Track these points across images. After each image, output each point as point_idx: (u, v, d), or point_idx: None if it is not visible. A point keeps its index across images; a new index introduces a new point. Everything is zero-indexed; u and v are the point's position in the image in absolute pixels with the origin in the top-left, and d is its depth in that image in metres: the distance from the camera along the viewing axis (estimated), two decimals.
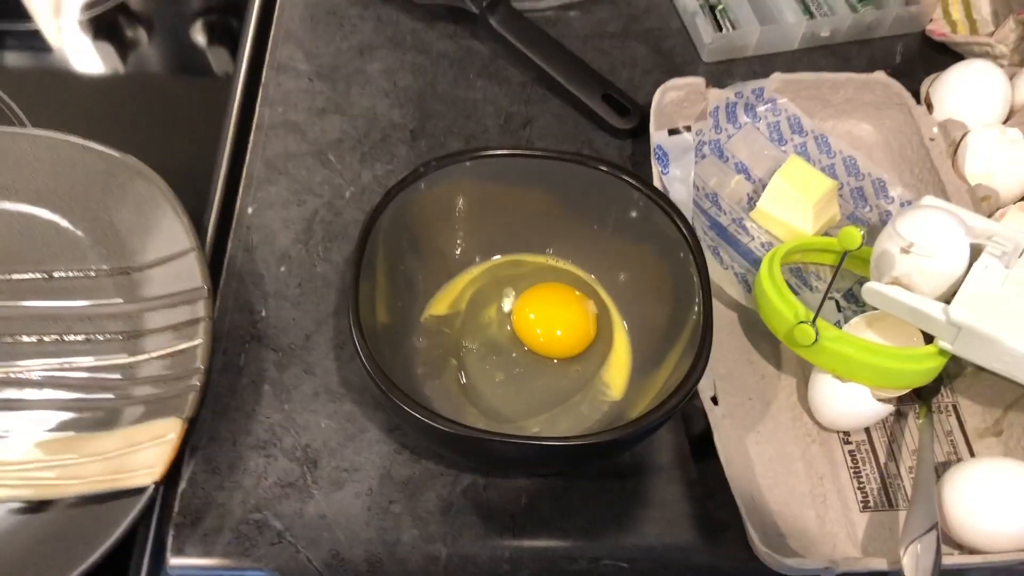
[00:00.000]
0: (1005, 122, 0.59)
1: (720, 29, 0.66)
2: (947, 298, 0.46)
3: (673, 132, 0.57)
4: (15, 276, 0.52)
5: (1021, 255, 0.47)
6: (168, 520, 0.46)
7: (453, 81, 0.63)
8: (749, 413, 0.51)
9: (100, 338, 0.50)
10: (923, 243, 0.47)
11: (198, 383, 0.46)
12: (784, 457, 0.50)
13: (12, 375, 0.49)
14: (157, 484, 0.44)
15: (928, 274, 0.47)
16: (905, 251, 0.47)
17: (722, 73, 0.64)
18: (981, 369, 0.47)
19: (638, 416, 0.42)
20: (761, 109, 0.60)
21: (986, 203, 0.55)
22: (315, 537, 0.46)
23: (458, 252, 0.53)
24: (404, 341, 0.50)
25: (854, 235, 0.46)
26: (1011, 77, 0.60)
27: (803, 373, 0.52)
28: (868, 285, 0.48)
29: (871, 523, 0.48)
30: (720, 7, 0.67)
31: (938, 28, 0.66)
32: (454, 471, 0.48)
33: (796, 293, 0.50)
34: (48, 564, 0.43)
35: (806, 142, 0.60)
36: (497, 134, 0.61)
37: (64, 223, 0.53)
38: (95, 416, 0.48)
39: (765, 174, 0.58)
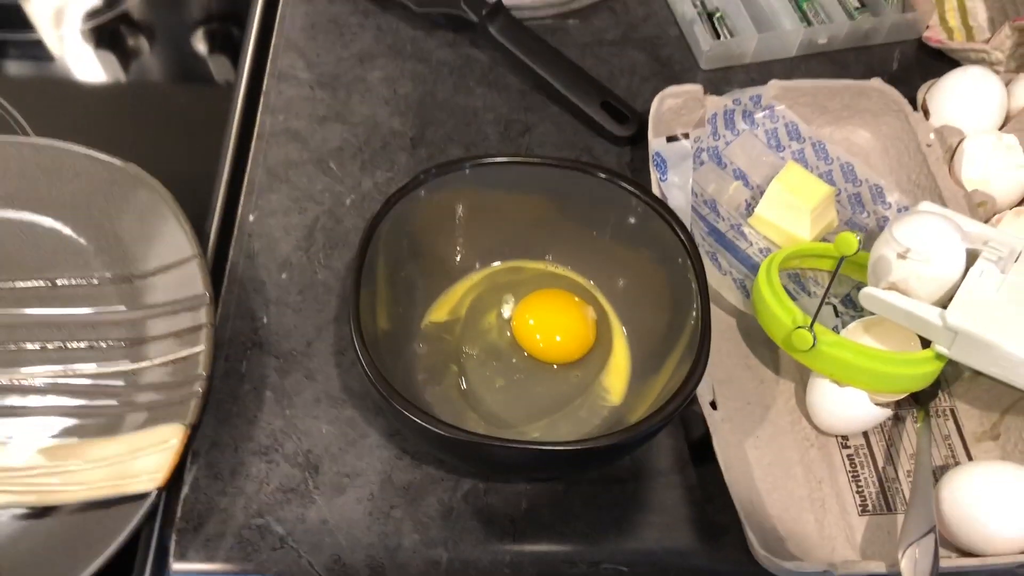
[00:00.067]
0: (1001, 128, 0.59)
1: (718, 37, 0.66)
2: (944, 303, 0.47)
3: (671, 139, 0.58)
4: (18, 284, 0.52)
5: (1017, 260, 0.48)
6: (171, 525, 0.46)
7: (453, 89, 0.64)
8: (748, 418, 0.51)
9: (103, 345, 0.50)
10: (920, 248, 0.47)
11: (200, 389, 0.46)
12: (783, 461, 0.50)
13: (16, 382, 0.49)
14: (160, 490, 0.44)
15: (925, 279, 0.47)
16: (902, 256, 0.47)
17: (720, 80, 0.65)
18: (978, 373, 0.48)
19: (637, 421, 0.42)
20: (759, 116, 0.60)
21: (982, 208, 0.56)
22: (317, 542, 0.46)
23: (458, 259, 0.53)
24: (404, 347, 0.50)
25: (850, 241, 0.46)
26: (1007, 83, 0.61)
27: (801, 378, 0.52)
28: (865, 290, 0.49)
29: (869, 527, 0.48)
30: (718, 15, 0.67)
31: (935, 35, 0.66)
32: (455, 476, 0.48)
33: (794, 298, 0.51)
34: (52, 569, 0.44)
35: (804, 148, 0.60)
36: (497, 141, 0.61)
37: (67, 231, 0.53)
38: (98, 422, 0.48)
39: (763, 180, 0.58)
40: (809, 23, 0.67)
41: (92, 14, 0.69)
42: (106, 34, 0.68)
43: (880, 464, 0.50)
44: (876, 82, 0.61)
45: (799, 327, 0.47)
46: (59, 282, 0.52)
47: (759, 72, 0.65)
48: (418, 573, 0.46)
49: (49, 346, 0.50)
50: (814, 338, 0.47)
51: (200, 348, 0.48)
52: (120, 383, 0.49)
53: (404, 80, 0.64)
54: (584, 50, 0.66)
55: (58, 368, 0.50)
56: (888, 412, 0.49)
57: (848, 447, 0.51)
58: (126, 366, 0.49)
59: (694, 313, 0.47)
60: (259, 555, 0.46)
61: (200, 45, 0.69)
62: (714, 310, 0.53)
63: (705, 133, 0.59)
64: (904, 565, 0.43)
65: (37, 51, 0.67)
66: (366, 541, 0.46)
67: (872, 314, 0.49)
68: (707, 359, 0.44)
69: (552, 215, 0.53)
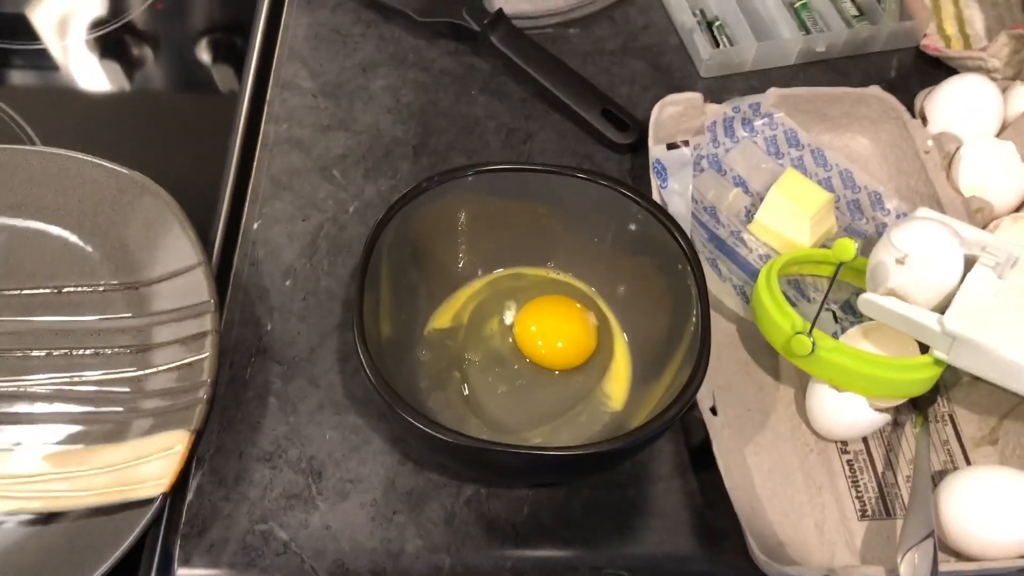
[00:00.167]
0: (998, 135, 0.60)
1: (717, 45, 0.67)
2: (942, 308, 0.47)
3: (672, 146, 0.58)
4: (25, 291, 0.52)
5: (1014, 265, 0.48)
6: (175, 531, 0.47)
7: (455, 97, 0.64)
8: (748, 423, 0.51)
9: (109, 352, 0.51)
10: (918, 254, 0.47)
11: (205, 396, 0.47)
12: (783, 467, 0.50)
13: (22, 389, 0.50)
14: (165, 495, 0.44)
15: (923, 285, 0.47)
16: (900, 262, 0.47)
17: (720, 88, 0.65)
18: (977, 379, 0.48)
19: (638, 426, 0.43)
20: (758, 123, 0.61)
21: (980, 215, 0.56)
22: (320, 547, 0.47)
23: (460, 265, 0.54)
24: (407, 354, 0.51)
25: (848, 247, 0.46)
26: (1004, 91, 0.61)
27: (801, 384, 0.52)
28: (864, 296, 0.49)
29: (869, 532, 0.48)
30: (717, 23, 0.68)
31: (932, 43, 0.67)
32: (457, 482, 0.49)
33: (794, 305, 0.51)
34: (58, 574, 0.44)
35: (803, 155, 0.60)
36: (498, 149, 0.62)
37: (73, 239, 0.54)
38: (104, 429, 0.48)
39: (762, 187, 0.59)
40: (808, 31, 0.67)
41: (97, 24, 0.70)
42: (111, 44, 0.69)
43: (879, 469, 0.50)
44: (874, 89, 0.61)
45: (798, 333, 0.48)
46: (65, 289, 0.53)
47: (758, 80, 0.66)
48: None
49: (55, 353, 0.51)
50: (813, 344, 0.47)
51: (205, 355, 0.48)
52: (126, 390, 0.49)
53: (406, 89, 0.64)
54: (585, 59, 0.66)
55: (64, 375, 0.50)
56: (887, 418, 0.50)
57: (847, 453, 0.51)
58: (132, 373, 0.50)
59: (694, 319, 0.47)
60: (263, 560, 0.46)
61: (204, 55, 0.69)
62: (714, 316, 0.53)
63: (705, 140, 0.59)
64: (903, 570, 0.43)
65: (43, 61, 0.68)
66: (369, 546, 0.47)
67: (871, 320, 0.50)
68: (707, 365, 0.44)
69: (553, 222, 0.53)
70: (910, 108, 0.61)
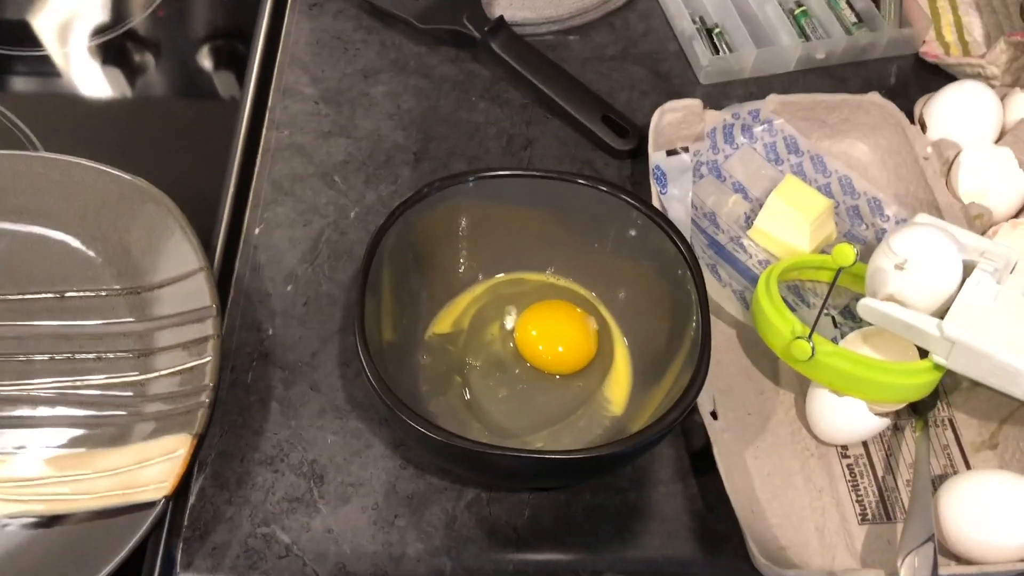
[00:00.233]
0: (997, 141, 0.60)
1: (717, 52, 0.67)
2: (941, 313, 0.47)
3: (671, 153, 0.58)
4: (28, 296, 0.53)
5: (1012, 271, 0.48)
6: (177, 534, 0.47)
7: (455, 104, 0.64)
8: (748, 428, 0.52)
9: (111, 356, 0.51)
10: (917, 260, 0.48)
11: (207, 400, 0.47)
12: (783, 471, 0.50)
13: (25, 393, 0.50)
14: (167, 499, 0.45)
15: (922, 290, 0.48)
16: (899, 267, 0.48)
17: (719, 95, 0.66)
18: (976, 383, 0.48)
19: (639, 430, 0.43)
20: (758, 130, 0.61)
21: (979, 221, 0.56)
22: (322, 551, 0.47)
23: (461, 270, 0.54)
24: (409, 358, 0.51)
25: (847, 252, 0.47)
26: (1002, 97, 0.61)
27: (801, 388, 0.53)
28: (863, 301, 0.49)
29: (869, 535, 0.49)
30: (717, 30, 0.68)
31: (931, 50, 0.67)
32: (458, 486, 0.49)
33: (793, 310, 0.51)
34: None
35: (802, 162, 0.61)
36: (499, 155, 0.62)
37: (76, 243, 0.54)
38: (107, 432, 0.48)
39: (762, 193, 0.59)
40: (807, 38, 0.67)
41: (99, 31, 0.70)
42: (113, 50, 0.69)
43: (879, 473, 0.51)
44: (874, 96, 0.61)
45: (798, 337, 0.48)
46: (68, 294, 0.53)
47: (758, 87, 0.66)
48: None
49: (58, 357, 0.51)
50: (813, 348, 0.47)
51: (207, 359, 0.48)
52: (128, 394, 0.50)
53: (407, 95, 0.65)
54: (585, 65, 0.67)
55: (67, 379, 0.50)
56: (887, 422, 0.50)
57: (848, 457, 0.51)
58: (134, 377, 0.50)
59: (694, 324, 0.47)
60: (265, 563, 0.46)
61: (206, 61, 0.70)
62: (714, 321, 0.53)
63: (704, 147, 0.60)
64: (903, 573, 0.43)
65: (45, 67, 0.68)
66: (370, 550, 0.47)
67: (870, 325, 0.50)
68: (707, 369, 0.45)
69: (554, 228, 0.53)
70: (909, 115, 0.62)
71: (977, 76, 0.64)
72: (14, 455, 0.48)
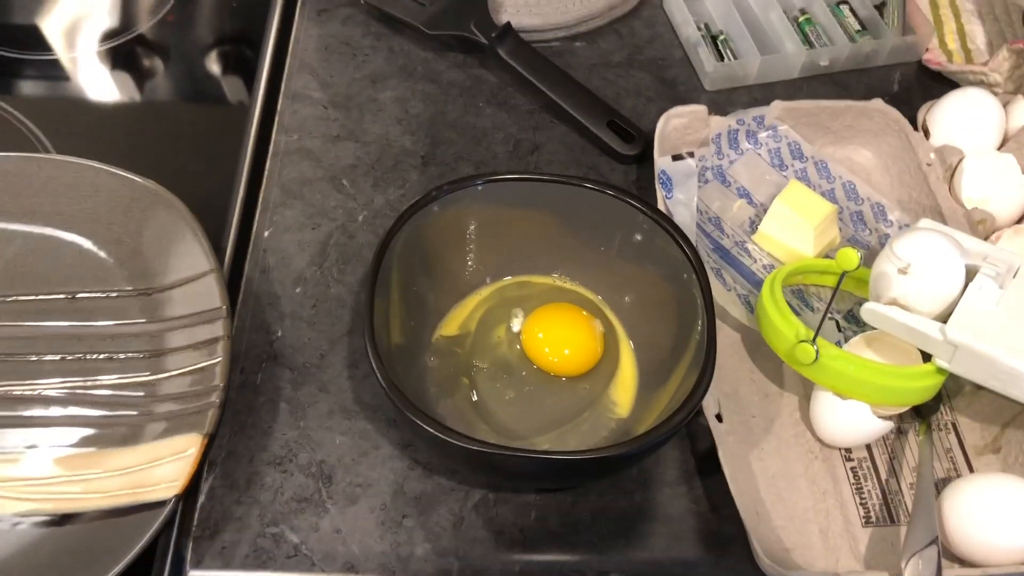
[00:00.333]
0: (999, 148, 0.61)
1: (722, 59, 0.68)
2: (944, 318, 0.48)
3: (677, 158, 0.59)
4: (40, 296, 0.53)
5: (1015, 275, 0.49)
6: (187, 533, 0.47)
7: (463, 109, 0.65)
8: (753, 430, 0.52)
9: (122, 356, 0.51)
10: (920, 264, 0.48)
11: (217, 400, 0.47)
12: (787, 473, 0.51)
13: (37, 392, 0.50)
14: (177, 498, 0.45)
15: (925, 294, 0.48)
16: (903, 272, 0.48)
17: (724, 101, 0.66)
18: (979, 387, 0.49)
19: (644, 432, 0.43)
20: (762, 136, 0.61)
21: (982, 226, 0.57)
22: (330, 551, 0.47)
23: (468, 273, 0.54)
24: (416, 360, 0.51)
25: (851, 256, 0.47)
26: (1005, 104, 0.62)
27: (805, 391, 0.53)
28: (867, 305, 0.49)
29: (873, 538, 0.49)
30: (722, 37, 0.69)
31: (934, 57, 0.68)
32: (465, 487, 0.49)
33: (798, 314, 0.52)
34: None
35: (806, 167, 0.61)
36: (506, 160, 0.62)
37: (88, 245, 0.55)
38: (118, 432, 0.49)
39: (766, 198, 0.59)
40: (811, 45, 0.68)
41: (108, 35, 0.71)
42: (123, 55, 0.70)
43: (883, 476, 0.51)
44: (877, 103, 0.62)
45: (802, 341, 0.48)
46: (79, 295, 0.53)
47: (762, 93, 0.67)
48: None
49: (69, 357, 0.51)
50: (817, 352, 0.48)
51: (217, 360, 0.49)
52: (139, 394, 0.50)
53: (415, 100, 0.65)
54: (591, 71, 0.67)
55: (78, 379, 0.51)
56: (890, 425, 0.50)
57: (851, 459, 0.51)
58: (145, 377, 0.50)
59: (699, 327, 0.48)
60: (274, 563, 0.47)
61: (215, 66, 0.70)
62: (719, 325, 0.54)
63: (710, 152, 0.60)
64: (907, 575, 0.44)
65: (56, 71, 0.69)
66: (378, 550, 0.47)
67: (874, 329, 0.50)
68: (712, 372, 0.45)
69: (560, 231, 0.54)
70: (912, 121, 0.62)
71: (980, 83, 0.64)
72: (25, 454, 0.48)
